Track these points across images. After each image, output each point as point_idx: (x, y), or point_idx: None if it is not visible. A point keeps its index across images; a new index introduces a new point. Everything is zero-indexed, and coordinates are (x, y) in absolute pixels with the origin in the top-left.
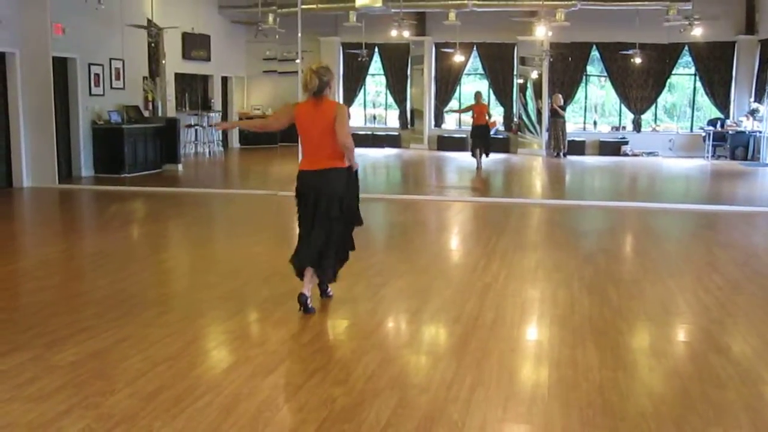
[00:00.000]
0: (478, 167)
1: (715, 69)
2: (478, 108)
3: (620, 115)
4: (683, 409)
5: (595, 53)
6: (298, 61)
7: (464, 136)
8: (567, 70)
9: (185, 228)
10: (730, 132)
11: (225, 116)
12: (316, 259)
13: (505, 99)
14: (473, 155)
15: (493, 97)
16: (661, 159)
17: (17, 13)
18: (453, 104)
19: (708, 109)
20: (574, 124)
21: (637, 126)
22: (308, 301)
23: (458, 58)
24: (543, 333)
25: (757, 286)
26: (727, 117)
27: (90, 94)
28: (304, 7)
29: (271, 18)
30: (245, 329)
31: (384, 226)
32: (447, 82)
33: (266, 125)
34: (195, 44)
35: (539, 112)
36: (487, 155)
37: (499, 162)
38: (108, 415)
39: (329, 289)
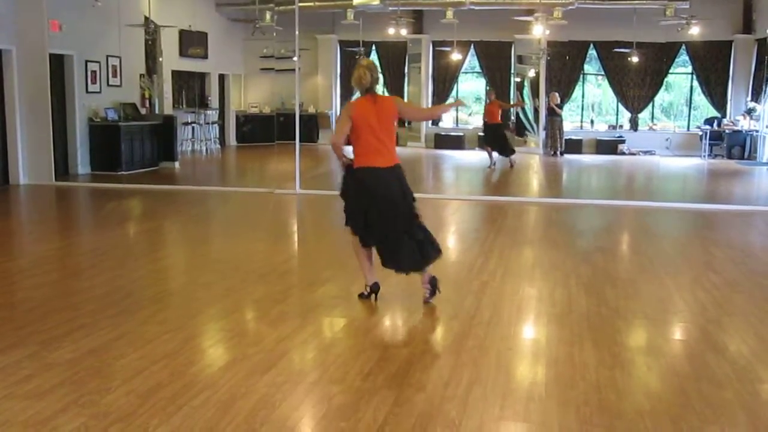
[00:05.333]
0: (491, 164)
1: (712, 68)
2: (489, 106)
3: (617, 114)
4: (680, 407)
5: (592, 52)
6: (295, 58)
7: (461, 134)
8: (564, 68)
9: (182, 226)
10: (727, 131)
11: (222, 114)
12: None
13: (502, 97)
14: (486, 150)
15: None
16: (658, 158)
17: (14, 9)
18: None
19: (705, 108)
20: (571, 123)
21: (634, 125)
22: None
23: (456, 56)
24: (540, 331)
25: (754, 285)
26: (724, 116)
27: (87, 91)
28: (301, 4)
29: (268, 15)
30: (242, 327)
31: None
32: (444, 80)
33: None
34: (192, 42)
35: (536, 111)
36: (506, 155)
37: (496, 160)
38: (104, 413)
39: (437, 282)
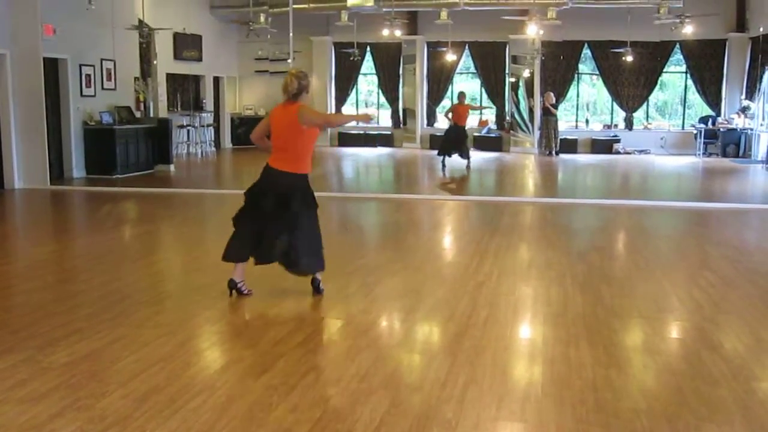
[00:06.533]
0: (443, 166)
1: (706, 67)
2: (461, 108)
3: (612, 113)
4: (676, 405)
5: (586, 51)
6: (289, 61)
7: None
8: (559, 68)
9: (178, 228)
10: (722, 129)
11: (217, 117)
12: (290, 254)
13: (497, 98)
14: (439, 154)
15: (485, 95)
16: (653, 157)
17: (7, 13)
18: (445, 103)
19: (699, 107)
20: (566, 123)
21: (628, 124)
22: (241, 285)
23: (450, 56)
24: (536, 331)
25: (749, 283)
26: (719, 114)
27: (81, 94)
28: (295, 6)
29: (262, 18)
30: (238, 329)
31: (377, 225)
32: (439, 81)
33: (252, 139)
34: (186, 44)
35: (531, 111)
36: (466, 158)
37: (492, 160)
38: (101, 417)
39: (321, 285)
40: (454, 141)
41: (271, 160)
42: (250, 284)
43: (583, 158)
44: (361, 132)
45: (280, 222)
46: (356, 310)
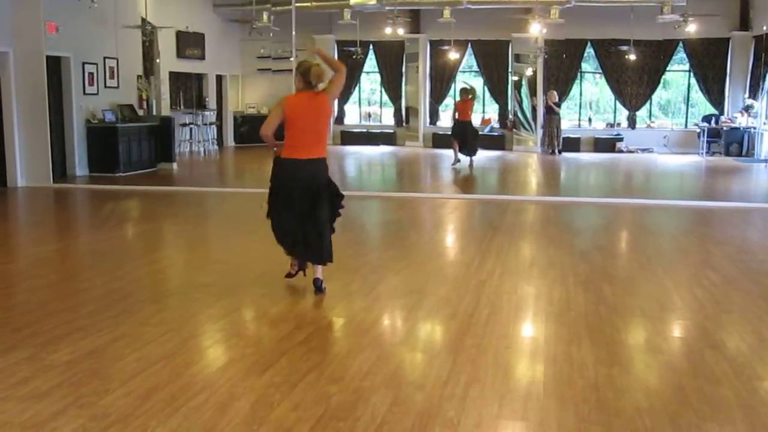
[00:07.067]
0: (455, 161)
1: (709, 65)
2: (461, 104)
3: (615, 112)
4: (678, 404)
5: (589, 50)
6: (292, 59)
7: None
8: (562, 66)
9: (180, 227)
10: (725, 128)
11: (220, 115)
12: (316, 244)
13: (500, 96)
14: (453, 147)
15: (488, 94)
16: (656, 155)
17: (10, 11)
18: (448, 101)
19: (702, 106)
20: (569, 121)
21: (631, 123)
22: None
23: (453, 55)
24: (538, 330)
25: (752, 282)
26: (722, 113)
27: (84, 93)
28: (298, 5)
29: (265, 16)
30: (240, 327)
31: (379, 223)
32: (442, 79)
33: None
34: (189, 43)
35: (534, 109)
36: (473, 154)
37: (494, 159)
38: (103, 415)
39: (323, 284)
40: (463, 136)
41: (294, 153)
42: (252, 281)
43: (585, 157)
44: (364, 130)
45: (319, 212)
46: (358, 308)
